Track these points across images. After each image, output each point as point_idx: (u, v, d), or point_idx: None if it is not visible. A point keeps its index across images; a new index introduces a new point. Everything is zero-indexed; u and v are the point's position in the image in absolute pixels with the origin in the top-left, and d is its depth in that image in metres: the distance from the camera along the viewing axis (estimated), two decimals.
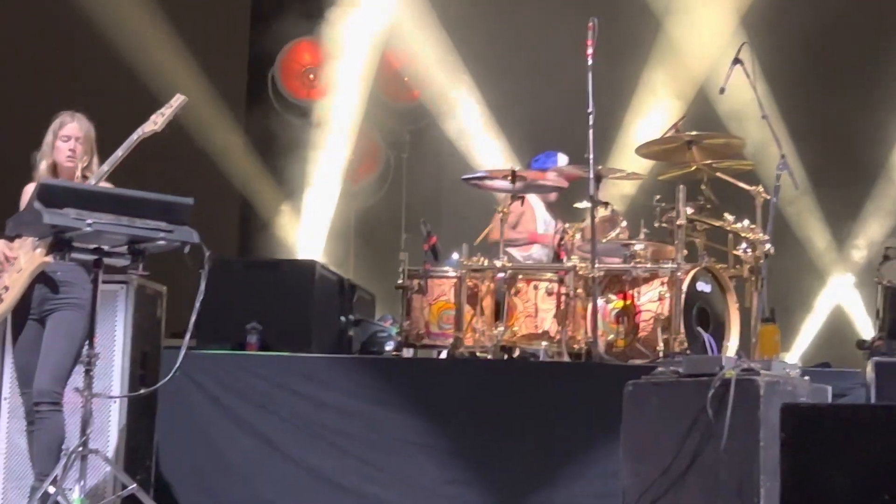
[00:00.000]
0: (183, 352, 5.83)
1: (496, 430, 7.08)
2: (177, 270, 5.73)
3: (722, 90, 7.90)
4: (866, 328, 10.44)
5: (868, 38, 10.91)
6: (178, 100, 6.17)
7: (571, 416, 6.99)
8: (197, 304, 5.62)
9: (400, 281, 7.86)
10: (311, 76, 11.58)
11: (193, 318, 5.64)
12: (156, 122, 6.08)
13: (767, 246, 7.66)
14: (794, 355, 10.51)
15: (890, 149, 10.85)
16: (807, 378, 5.78)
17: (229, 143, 11.43)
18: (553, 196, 9.03)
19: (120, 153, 5.99)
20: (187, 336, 5.70)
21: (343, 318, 8.79)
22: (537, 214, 8.96)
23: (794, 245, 10.82)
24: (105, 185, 5.99)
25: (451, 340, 7.68)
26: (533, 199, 9.05)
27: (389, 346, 8.49)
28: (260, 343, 7.83)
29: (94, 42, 10.59)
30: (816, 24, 10.86)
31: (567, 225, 8.25)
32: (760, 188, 7.96)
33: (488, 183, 8.22)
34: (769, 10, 10.89)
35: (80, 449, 5.57)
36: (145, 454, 7.12)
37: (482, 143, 11.34)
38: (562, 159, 8.81)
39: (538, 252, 8.89)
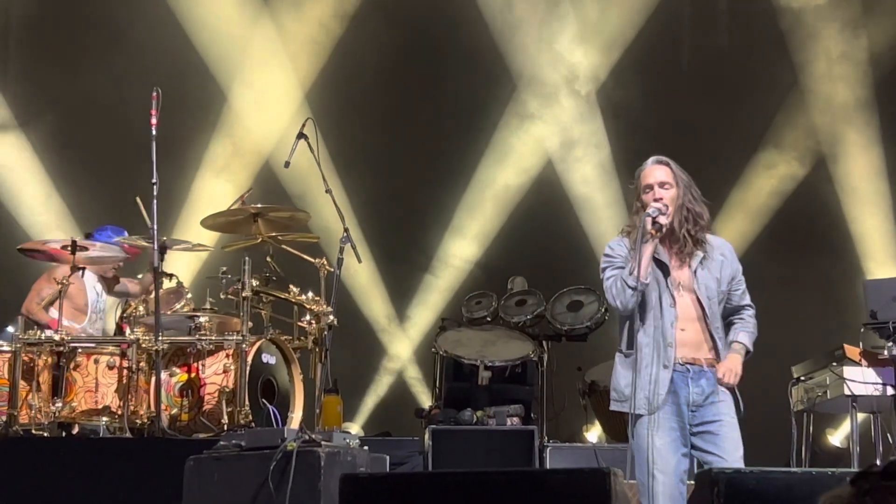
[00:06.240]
0: None
1: None
2: None
3: (287, 164, 8.00)
4: (425, 397, 10.78)
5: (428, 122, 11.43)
6: None
7: (134, 493, 6.79)
8: None
9: None
10: None
11: None
12: None
13: (331, 318, 7.78)
14: (356, 425, 10.72)
15: (444, 229, 11.34)
16: (366, 448, 5.93)
17: None
18: (109, 270, 8.75)
19: None
20: None
21: None
22: (87, 285, 8.63)
23: (358, 316, 11.07)
24: None
25: (4, 418, 7.32)
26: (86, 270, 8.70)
27: None
28: None
29: None
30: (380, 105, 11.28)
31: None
32: (324, 260, 8.10)
33: (47, 252, 7.91)
34: (331, 86, 11.18)
35: None
36: None
37: (39, 212, 10.91)
38: (124, 234, 8.55)
39: (88, 325, 8.54)
